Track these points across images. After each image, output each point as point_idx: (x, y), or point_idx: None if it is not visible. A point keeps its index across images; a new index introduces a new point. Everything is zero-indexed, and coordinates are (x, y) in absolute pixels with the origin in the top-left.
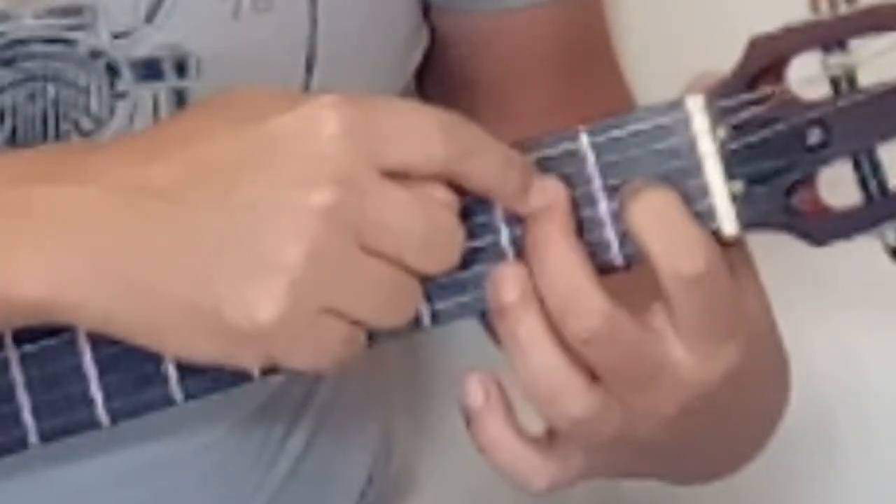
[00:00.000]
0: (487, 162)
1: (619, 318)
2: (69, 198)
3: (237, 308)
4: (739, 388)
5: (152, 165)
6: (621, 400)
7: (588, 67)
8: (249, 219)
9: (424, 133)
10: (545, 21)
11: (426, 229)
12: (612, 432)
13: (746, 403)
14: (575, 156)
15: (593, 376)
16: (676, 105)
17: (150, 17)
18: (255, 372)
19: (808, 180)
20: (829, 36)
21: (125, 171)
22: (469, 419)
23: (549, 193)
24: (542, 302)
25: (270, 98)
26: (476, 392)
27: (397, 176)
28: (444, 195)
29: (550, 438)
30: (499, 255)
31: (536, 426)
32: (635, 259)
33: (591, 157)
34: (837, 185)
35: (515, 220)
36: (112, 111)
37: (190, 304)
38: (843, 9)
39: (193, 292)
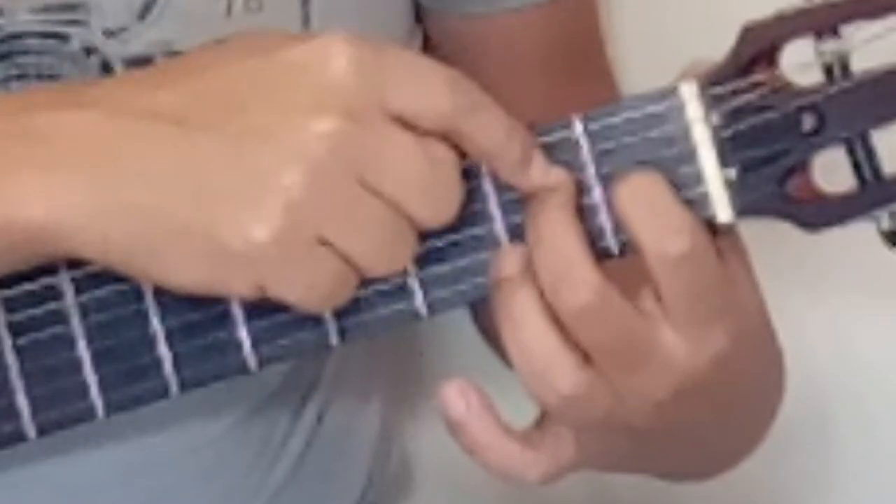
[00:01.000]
0: (491, 124)
1: (610, 294)
2: (72, 121)
3: (233, 227)
4: (730, 376)
5: (159, 92)
6: (612, 382)
7: (580, 69)
8: (252, 141)
9: (433, 83)
10: (536, 23)
11: (427, 177)
12: (602, 415)
13: (738, 394)
14: (569, 144)
15: (585, 358)
16: (670, 92)
17: (142, 15)
18: (252, 363)
19: (802, 166)
20: (822, 22)
21: (130, 98)
22: (453, 429)
23: (553, 175)
24: (537, 280)
25: (283, 35)
26: (456, 402)
27: (402, 123)
28: (446, 152)
29: (540, 429)
30: (494, 243)
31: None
32: (630, 246)
33: (585, 145)
34: (832, 171)
35: (511, 207)
36: None
37: (187, 224)
38: None
39: (191, 213)
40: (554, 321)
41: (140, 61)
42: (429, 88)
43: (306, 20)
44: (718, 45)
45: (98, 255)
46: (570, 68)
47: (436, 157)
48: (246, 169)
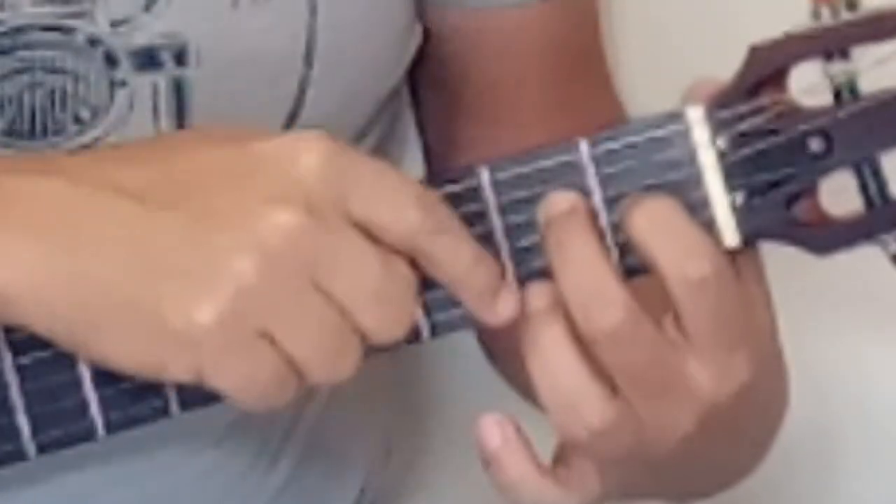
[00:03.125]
0: (458, 249)
1: (639, 315)
2: (34, 187)
3: (177, 305)
4: (749, 403)
5: (125, 167)
6: (638, 413)
7: (579, 68)
8: (209, 223)
9: (402, 197)
10: (536, 20)
11: (382, 289)
12: (627, 449)
13: (755, 418)
14: (575, 167)
15: (612, 389)
16: (676, 116)
17: (148, 6)
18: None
19: (810, 190)
20: (831, 43)
21: (96, 170)
22: (487, 462)
23: (565, 203)
24: (565, 310)
25: (262, 130)
26: (493, 434)
27: (366, 233)
28: (405, 269)
29: (566, 465)
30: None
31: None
32: (636, 270)
33: (590, 169)
34: (839, 194)
35: (516, 232)
36: (110, 100)
37: (132, 298)
38: (845, 16)
39: (138, 288)
40: (582, 353)
41: (145, 53)
42: (396, 201)
43: (313, 11)
44: (721, 58)
45: (41, 324)
46: (569, 66)
47: (394, 272)
48: (199, 250)
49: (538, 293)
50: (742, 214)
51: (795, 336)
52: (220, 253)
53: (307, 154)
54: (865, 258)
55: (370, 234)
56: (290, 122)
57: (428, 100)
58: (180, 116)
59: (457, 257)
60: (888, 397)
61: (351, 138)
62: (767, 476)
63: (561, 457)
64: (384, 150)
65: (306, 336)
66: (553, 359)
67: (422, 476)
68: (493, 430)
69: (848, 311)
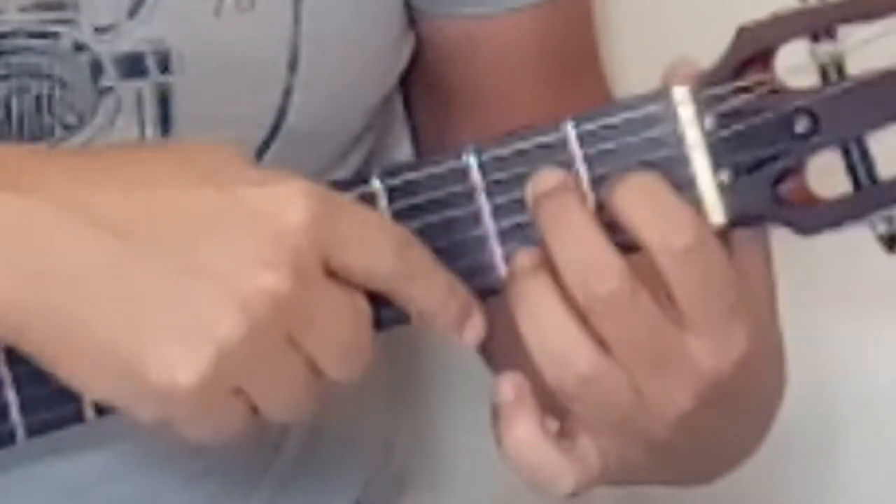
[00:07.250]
0: (430, 289)
1: (636, 284)
2: (8, 207)
3: (160, 363)
4: (748, 377)
5: (105, 195)
6: (634, 379)
7: (573, 72)
8: (197, 281)
9: (378, 247)
10: (528, 25)
11: (350, 339)
12: (622, 412)
13: (753, 394)
14: (560, 146)
15: (608, 350)
16: (662, 94)
17: (132, 12)
18: None
19: (796, 169)
20: (818, 24)
21: (71, 190)
22: (497, 417)
23: (554, 179)
24: (556, 274)
25: (240, 162)
26: (507, 389)
27: (335, 276)
28: (364, 306)
29: (567, 438)
30: (483, 248)
31: None
32: (622, 248)
33: (576, 147)
34: (827, 175)
35: (502, 211)
36: (96, 106)
37: (112, 344)
38: None
39: (119, 337)
40: (573, 312)
41: (130, 60)
42: (372, 251)
43: (297, 19)
44: (715, 46)
45: (9, 339)
46: (563, 71)
47: (360, 318)
48: (186, 308)
49: (525, 254)
50: (728, 193)
51: (795, 322)
52: (206, 315)
53: (293, 210)
54: (866, 244)
55: (344, 278)
56: (276, 128)
57: (421, 106)
58: (165, 123)
59: (429, 296)
60: (888, 384)
61: (343, 145)
62: (767, 461)
63: (563, 431)
64: (377, 156)
65: (276, 389)
66: (541, 313)
67: (422, 476)
68: (508, 386)
69: (847, 298)
